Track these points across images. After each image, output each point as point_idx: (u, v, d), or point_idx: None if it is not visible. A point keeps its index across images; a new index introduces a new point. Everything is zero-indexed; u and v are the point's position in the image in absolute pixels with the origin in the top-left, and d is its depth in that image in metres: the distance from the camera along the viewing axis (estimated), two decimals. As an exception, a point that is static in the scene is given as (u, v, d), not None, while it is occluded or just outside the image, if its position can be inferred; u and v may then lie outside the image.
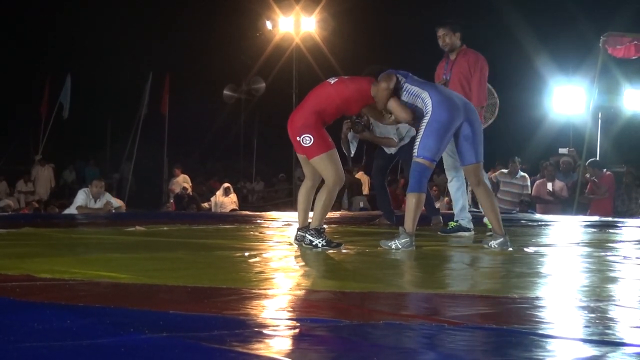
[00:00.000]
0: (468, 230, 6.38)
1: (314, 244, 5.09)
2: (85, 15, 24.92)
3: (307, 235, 5.15)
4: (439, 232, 6.44)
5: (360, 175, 16.80)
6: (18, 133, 22.83)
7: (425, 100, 5.11)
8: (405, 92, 5.19)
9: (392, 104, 5.15)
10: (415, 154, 5.11)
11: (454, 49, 6.37)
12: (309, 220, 5.26)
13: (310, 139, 5.06)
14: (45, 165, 18.65)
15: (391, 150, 7.48)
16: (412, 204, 5.11)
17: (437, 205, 13.53)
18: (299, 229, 5.25)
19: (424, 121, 5.09)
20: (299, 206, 5.34)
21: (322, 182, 5.26)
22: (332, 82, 5.24)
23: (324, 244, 5.09)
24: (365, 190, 16.70)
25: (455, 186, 6.37)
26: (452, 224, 6.43)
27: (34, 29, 24.65)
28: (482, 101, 6.28)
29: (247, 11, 22.53)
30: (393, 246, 5.06)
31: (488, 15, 22.18)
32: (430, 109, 5.08)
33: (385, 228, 6.91)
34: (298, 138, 5.10)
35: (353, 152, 7.52)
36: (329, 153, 5.10)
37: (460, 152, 5.26)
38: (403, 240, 5.06)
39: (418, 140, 5.11)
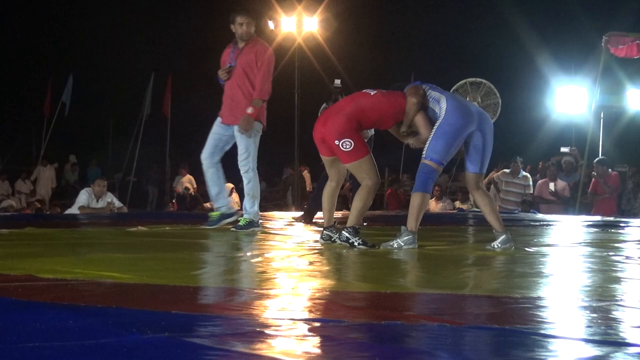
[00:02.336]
0: (231, 215, 6.55)
1: (350, 241, 5.12)
2: (88, 16, 24.95)
3: (344, 232, 5.19)
4: (204, 226, 6.46)
5: (305, 173, 17.06)
6: (20, 133, 22.86)
7: (440, 103, 5.16)
8: (429, 98, 5.25)
9: (419, 118, 5.22)
10: (424, 155, 5.13)
11: (249, 38, 6.41)
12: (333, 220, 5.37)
13: (351, 144, 5.13)
14: (48, 165, 18.67)
15: None
16: (416, 203, 5.12)
17: (439, 205, 13.57)
18: (325, 228, 5.31)
19: (436, 124, 5.12)
20: (323, 206, 5.43)
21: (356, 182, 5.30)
22: (372, 93, 5.32)
23: (361, 242, 5.12)
24: (308, 187, 16.90)
25: (208, 173, 6.48)
26: (213, 215, 6.51)
27: (37, 29, 24.67)
28: (265, 94, 6.41)
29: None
30: (395, 245, 5.07)
31: (490, 15, 22.19)
32: (444, 113, 5.11)
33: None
34: (337, 142, 5.15)
35: None
36: (368, 157, 5.22)
37: (467, 158, 5.29)
38: (405, 239, 5.07)
39: (428, 142, 5.13)
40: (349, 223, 5.20)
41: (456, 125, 5.09)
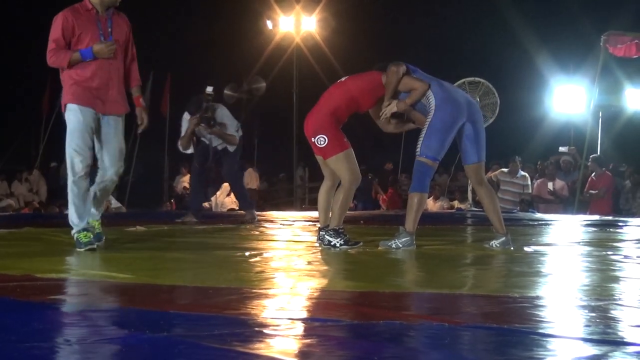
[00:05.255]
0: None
1: (332, 244, 5.11)
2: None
3: (325, 236, 5.16)
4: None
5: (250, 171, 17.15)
6: (19, 133, 22.83)
7: (429, 98, 5.12)
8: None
9: (405, 80, 5.14)
10: (418, 153, 5.11)
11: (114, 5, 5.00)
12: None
13: (325, 140, 5.10)
14: (35, 170, 18.59)
15: (215, 142, 7.53)
16: (413, 203, 5.10)
17: (437, 204, 13.59)
18: (320, 229, 5.27)
19: (427, 120, 5.10)
20: (319, 206, 5.37)
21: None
22: (343, 79, 5.32)
23: (342, 243, 5.10)
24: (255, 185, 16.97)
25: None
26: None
27: (35, 29, 24.66)
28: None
29: (247, 11, 22.53)
30: (393, 245, 5.06)
31: (489, 15, 22.19)
32: (434, 108, 5.08)
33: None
34: (313, 139, 5.15)
35: (192, 150, 7.54)
36: (344, 153, 5.14)
37: (462, 151, 5.26)
38: (404, 239, 5.07)
39: (421, 139, 5.11)
40: (330, 225, 5.18)
41: (447, 120, 5.07)
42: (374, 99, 5.26)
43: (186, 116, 7.49)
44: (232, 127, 7.46)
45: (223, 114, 7.52)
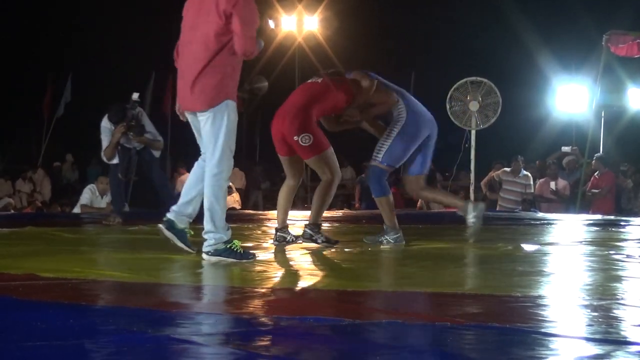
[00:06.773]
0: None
1: (313, 238, 5.16)
2: (88, 15, 24.96)
3: (306, 230, 5.22)
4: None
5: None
6: (21, 133, 22.86)
7: (400, 108, 5.18)
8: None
9: (377, 94, 5.19)
10: (379, 159, 5.16)
11: None
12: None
13: (310, 138, 5.08)
14: (39, 169, 18.63)
15: (134, 145, 7.23)
16: (385, 205, 5.22)
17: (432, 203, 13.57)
18: (277, 230, 5.27)
19: (395, 128, 5.15)
20: (279, 206, 5.34)
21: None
22: (319, 80, 5.29)
23: (324, 239, 5.15)
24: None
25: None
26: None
27: (36, 29, 24.68)
28: None
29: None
30: (385, 242, 5.13)
31: (491, 14, 22.20)
32: (405, 117, 5.14)
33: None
34: (296, 137, 5.08)
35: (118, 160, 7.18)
36: (327, 151, 5.14)
37: (410, 161, 5.32)
38: (395, 236, 5.18)
39: (384, 147, 5.15)
40: (311, 220, 5.23)
41: (414, 133, 5.19)
42: (348, 103, 5.25)
43: (106, 124, 7.12)
44: (154, 130, 7.28)
45: (146, 119, 7.27)
